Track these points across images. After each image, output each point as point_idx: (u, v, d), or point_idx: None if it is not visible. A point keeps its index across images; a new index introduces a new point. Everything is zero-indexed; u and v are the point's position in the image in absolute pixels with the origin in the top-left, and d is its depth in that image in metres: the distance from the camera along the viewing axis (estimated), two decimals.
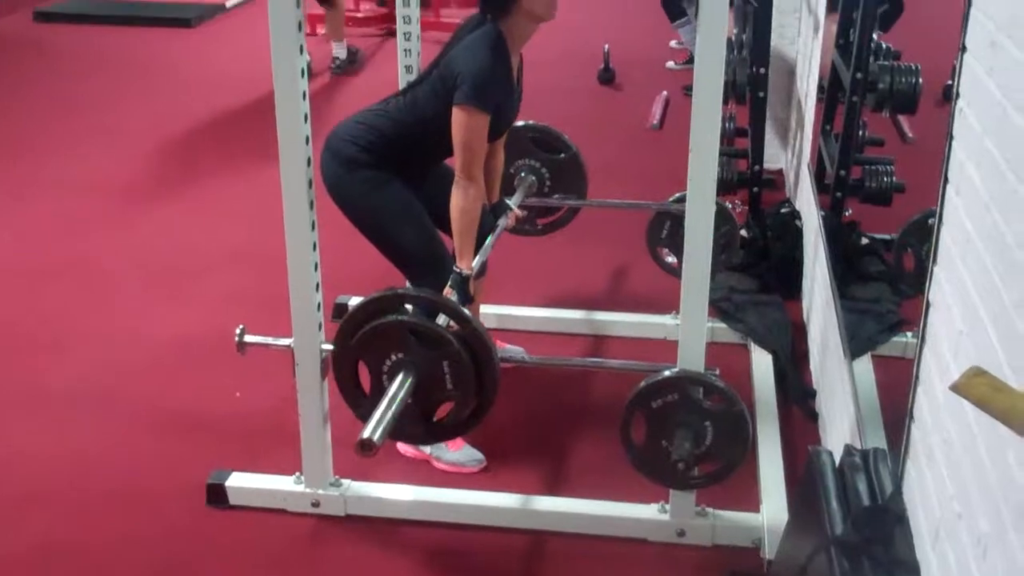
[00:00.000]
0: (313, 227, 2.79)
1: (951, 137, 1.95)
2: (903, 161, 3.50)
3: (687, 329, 2.73)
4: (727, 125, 4.70)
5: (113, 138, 6.03)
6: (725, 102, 4.34)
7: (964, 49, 1.92)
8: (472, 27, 3.07)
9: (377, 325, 2.65)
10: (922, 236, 2.48)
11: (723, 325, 3.93)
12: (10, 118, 6.34)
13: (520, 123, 3.68)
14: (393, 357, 2.65)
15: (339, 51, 7.49)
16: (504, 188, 3.61)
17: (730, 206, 4.14)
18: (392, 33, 7.79)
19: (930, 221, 2.09)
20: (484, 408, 2.72)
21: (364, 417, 2.58)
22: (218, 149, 5.94)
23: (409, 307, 2.76)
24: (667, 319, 3.90)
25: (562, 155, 3.87)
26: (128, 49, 7.91)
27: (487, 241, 3.26)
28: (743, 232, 4.29)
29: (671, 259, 3.96)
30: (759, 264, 4.29)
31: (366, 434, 2.44)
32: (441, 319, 2.68)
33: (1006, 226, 1.57)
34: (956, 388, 1.21)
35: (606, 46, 7.21)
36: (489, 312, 3.86)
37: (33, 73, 7.34)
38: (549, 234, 4.10)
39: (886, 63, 3.28)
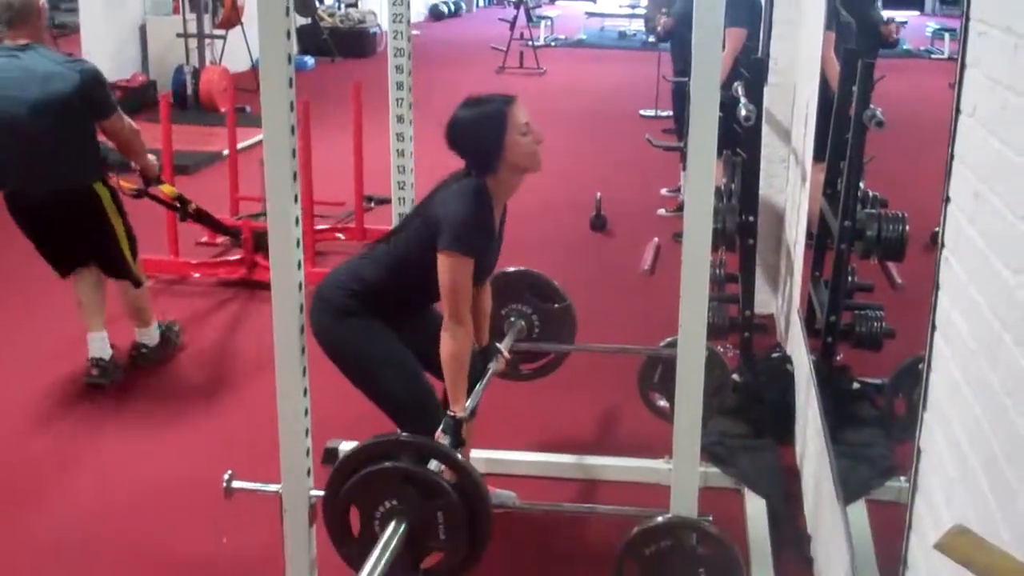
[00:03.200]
0: (304, 373, 2.78)
1: (937, 286, 1.98)
2: (892, 306, 3.53)
3: (680, 474, 2.72)
4: (717, 271, 4.74)
5: None
6: (715, 249, 4.42)
7: (948, 200, 1.96)
8: (459, 177, 3.12)
9: (373, 471, 2.63)
10: (913, 381, 2.48)
11: (716, 470, 3.90)
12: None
13: (512, 269, 3.76)
14: (387, 504, 2.61)
15: (145, 337, 5.00)
16: (494, 331, 3.63)
17: (721, 351, 4.15)
18: (254, 285, 5.61)
19: (920, 366, 2.10)
20: (474, 558, 2.68)
21: (348, 557, 2.58)
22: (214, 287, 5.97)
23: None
24: (659, 464, 3.86)
25: (554, 305, 3.91)
26: None
27: (478, 386, 3.24)
28: (735, 377, 4.30)
29: (663, 403, 3.95)
30: (751, 408, 4.28)
31: None
32: (433, 464, 2.65)
33: (992, 373, 1.58)
34: (939, 547, 1.23)
35: (598, 194, 7.31)
36: (479, 456, 3.83)
37: None
38: (536, 380, 4.09)
39: (873, 211, 3.33)
